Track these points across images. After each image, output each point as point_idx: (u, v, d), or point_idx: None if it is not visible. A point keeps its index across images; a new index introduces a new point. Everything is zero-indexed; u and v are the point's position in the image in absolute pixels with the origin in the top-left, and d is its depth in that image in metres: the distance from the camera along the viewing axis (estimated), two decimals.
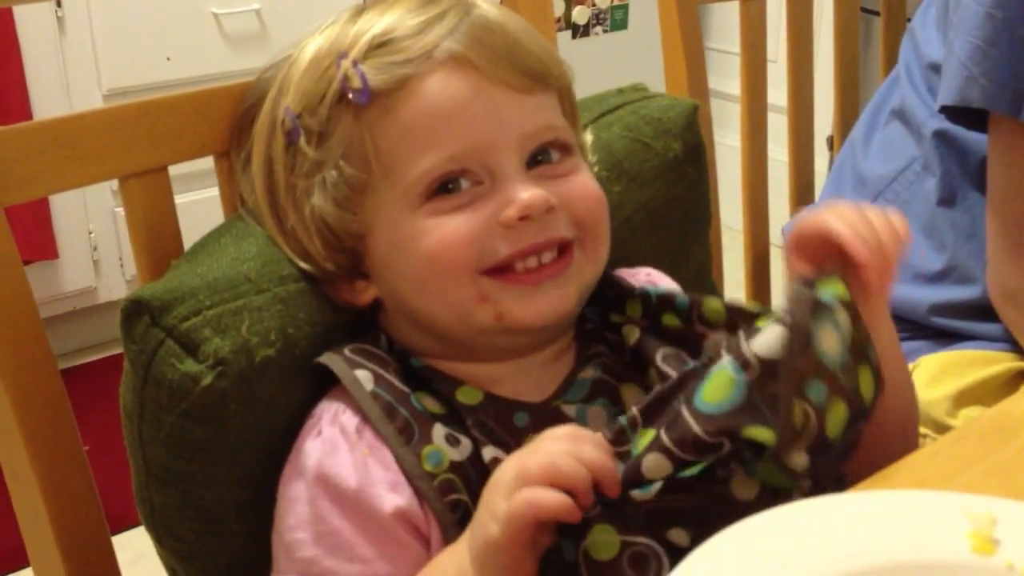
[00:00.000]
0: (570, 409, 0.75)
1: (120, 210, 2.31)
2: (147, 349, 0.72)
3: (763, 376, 0.61)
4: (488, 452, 0.71)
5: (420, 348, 0.77)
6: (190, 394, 0.71)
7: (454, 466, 0.71)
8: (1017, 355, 1.02)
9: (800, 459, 0.63)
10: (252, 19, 2.51)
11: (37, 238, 2.31)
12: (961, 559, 0.56)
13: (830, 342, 0.64)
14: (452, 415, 0.73)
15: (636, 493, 0.62)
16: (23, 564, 0.86)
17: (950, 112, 1.02)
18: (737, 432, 0.61)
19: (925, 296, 1.12)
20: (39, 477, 0.79)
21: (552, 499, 0.60)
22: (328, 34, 0.77)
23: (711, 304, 0.76)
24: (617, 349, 0.79)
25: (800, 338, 0.63)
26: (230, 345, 0.72)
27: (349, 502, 0.70)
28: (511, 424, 0.73)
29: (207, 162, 0.87)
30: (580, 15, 2.89)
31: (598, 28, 2.94)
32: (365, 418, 0.73)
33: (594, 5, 2.91)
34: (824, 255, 0.71)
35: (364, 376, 0.73)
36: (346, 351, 0.75)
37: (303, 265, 0.77)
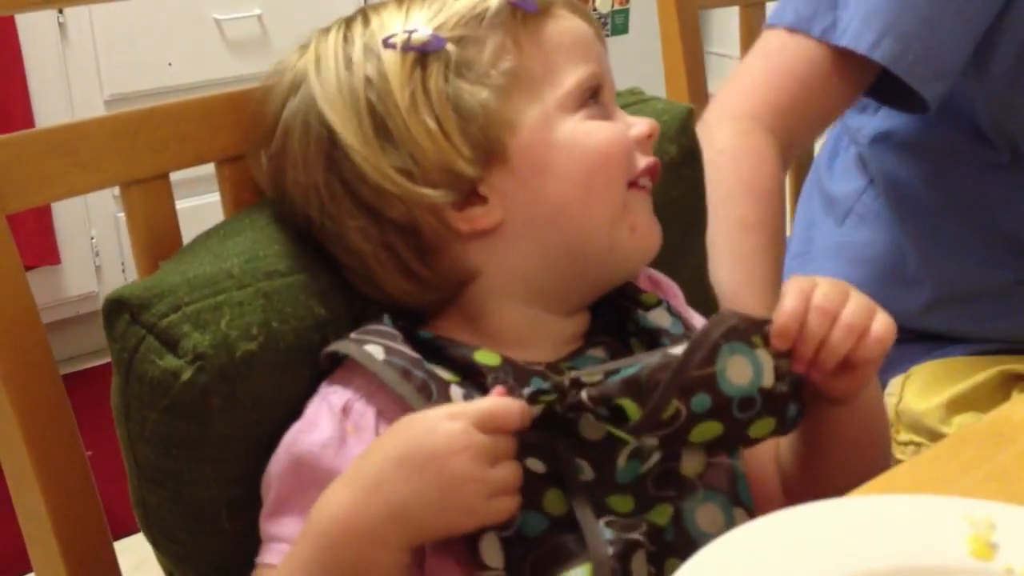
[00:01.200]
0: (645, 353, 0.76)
1: (122, 215, 2.32)
2: (128, 347, 0.72)
3: (658, 366, 0.68)
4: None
5: (517, 289, 0.77)
6: (171, 390, 0.71)
7: None
8: (1004, 357, 1.03)
9: (651, 439, 0.71)
10: (254, 24, 2.52)
11: (39, 243, 2.32)
12: (960, 563, 0.56)
13: (738, 373, 0.69)
14: (467, 380, 0.74)
15: None
16: (26, 569, 0.87)
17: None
18: (611, 398, 0.68)
19: (908, 300, 1.14)
20: (41, 482, 0.79)
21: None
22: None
23: None
24: (624, 346, 0.81)
25: (705, 352, 0.68)
26: (210, 340, 0.71)
27: (306, 470, 0.71)
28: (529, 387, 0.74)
29: (208, 167, 0.87)
30: None
31: None
32: (357, 395, 0.73)
33: (595, 9, 2.92)
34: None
35: (374, 349, 0.73)
36: (351, 335, 0.75)
37: (404, 188, 0.74)
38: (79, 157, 0.79)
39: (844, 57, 1.01)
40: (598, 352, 0.79)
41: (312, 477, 0.71)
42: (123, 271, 2.46)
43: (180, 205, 0.86)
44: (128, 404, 0.74)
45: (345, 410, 0.73)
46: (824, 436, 0.76)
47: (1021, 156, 1.08)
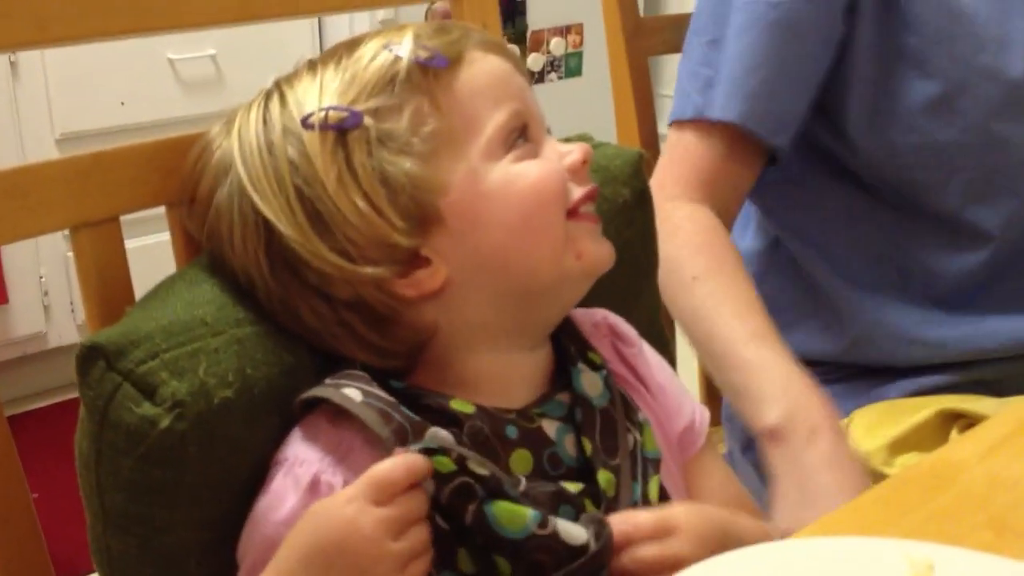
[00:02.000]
0: (551, 428, 0.77)
1: (72, 255, 2.30)
2: (103, 394, 0.72)
3: (542, 546, 0.69)
4: (474, 464, 0.72)
5: (479, 337, 0.78)
6: (148, 437, 0.71)
7: (436, 476, 0.71)
8: (943, 397, 1.05)
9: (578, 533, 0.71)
10: (208, 64, 2.52)
11: None
12: None
13: None
14: (441, 426, 0.74)
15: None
16: None
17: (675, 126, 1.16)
18: (489, 551, 0.69)
19: (831, 341, 1.18)
20: None
21: None
22: (340, 65, 0.78)
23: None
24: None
25: (591, 570, 0.69)
26: (188, 387, 0.72)
27: (274, 550, 0.70)
28: (503, 435, 0.75)
29: (158, 208, 0.87)
30: (535, 62, 2.93)
31: (552, 75, 2.98)
32: (324, 462, 0.73)
33: (548, 52, 2.95)
34: None
35: (352, 392, 0.74)
36: (326, 381, 0.76)
37: (345, 269, 0.74)
38: (28, 201, 0.79)
39: (721, 129, 1.11)
40: (564, 397, 0.80)
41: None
42: (72, 311, 2.43)
43: (129, 245, 0.86)
44: (100, 451, 0.73)
45: (313, 486, 0.72)
46: None
47: (904, 203, 1.12)
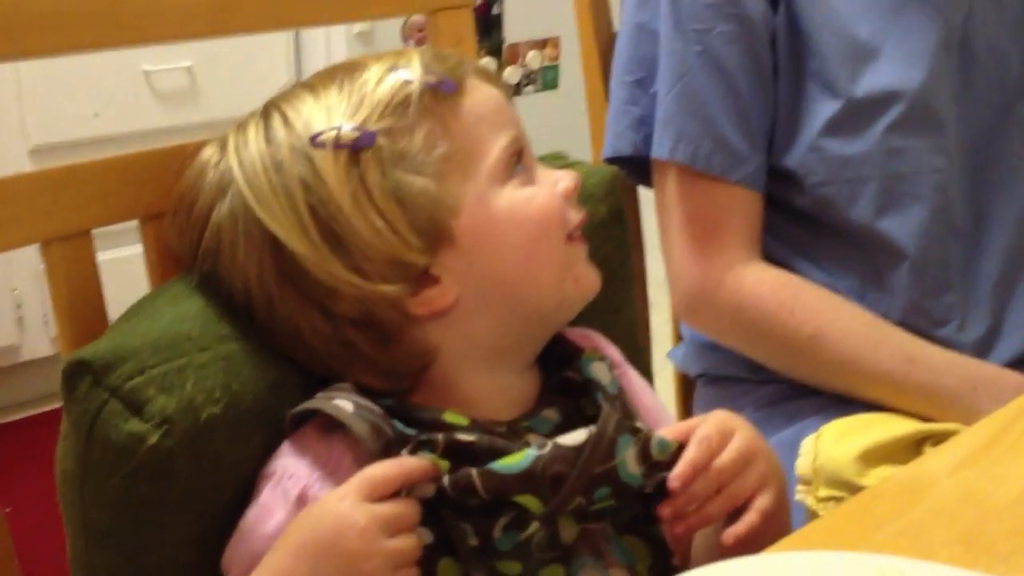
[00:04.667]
0: (537, 442, 0.77)
1: None
2: (90, 409, 0.71)
3: (552, 458, 0.70)
4: (461, 436, 0.74)
5: (476, 356, 0.79)
6: (136, 454, 0.71)
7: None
8: (921, 419, 1.06)
9: (570, 529, 0.74)
10: (183, 76, 2.51)
11: None
12: None
13: (635, 462, 0.72)
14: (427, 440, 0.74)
15: None
16: None
17: (610, 163, 1.19)
18: (509, 497, 0.70)
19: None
20: None
21: None
22: (344, 87, 0.79)
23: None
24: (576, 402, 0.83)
25: (605, 447, 0.71)
26: (175, 403, 0.71)
27: (258, 562, 0.71)
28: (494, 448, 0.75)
29: (131, 221, 0.86)
30: (511, 75, 2.93)
31: (529, 88, 2.99)
32: (312, 477, 0.73)
33: (525, 65, 2.96)
34: None
35: (343, 403, 0.74)
36: (318, 395, 0.76)
37: (359, 287, 0.75)
38: None
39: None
40: (550, 413, 0.81)
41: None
42: (45, 324, 2.41)
43: (102, 257, 0.85)
44: (86, 468, 0.72)
45: (300, 500, 0.72)
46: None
47: (820, 223, 1.14)
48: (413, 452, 0.70)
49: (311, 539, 0.67)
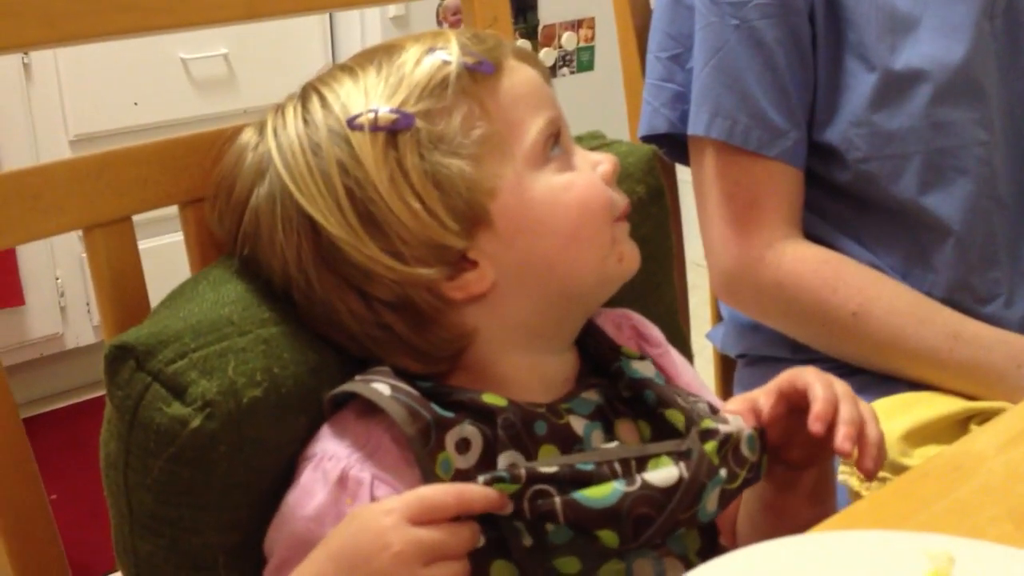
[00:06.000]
0: (578, 424, 0.77)
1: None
2: (133, 394, 0.72)
3: (639, 499, 0.69)
4: (504, 458, 0.73)
5: (515, 339, 0.79)
6: (178, 438, 0.71)
7: (458, 474, 0.72)
8: (965, 398, 1.05)
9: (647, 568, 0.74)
10: (220, 64, 2.52)
11: (3, 285, 2.30)
12: None
13: (714, 501, 0.71)
14: (476, 421, 0.74)
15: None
16: None
17: (646, 141, 1.19)
18: (589, 530, 0.69)
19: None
20: (1, 528, 0.78)
21: None
22: (382, 68, 0.78)
23: (673, 415, 0.79)
24: (615, 385, 0.82)
25: (692, 493, 0.70)
26: (217, 387, 0.72)
27: (301, 544, 0.71)
28: (532, 431, 0.75)
29: (171, 208, 0.87)
30: (547, 57, 2.92)
31: (565, 69, 2.97)
32: (352, 458, 0.73)
33: (560, 47, 2.94)
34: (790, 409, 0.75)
35: (381, 387, 0.74)
36: (355, 378, 0.76)
37: (396, 270, 0.74)
38: (41, 202, 0.79)
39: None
40: (591, 395, 0.80)
41: (307, 550, 0.70)
42: (88, 312, 2.44)
43: (143, 245, 0.86)
44: (129, 452, 0.73)
45: (341, 481, 0.72)
46: (782, 494, 0.78)
47: (866, 201, 1.13)
48: (489, 484, 0.67)
49: (350, 548, 0.66)
